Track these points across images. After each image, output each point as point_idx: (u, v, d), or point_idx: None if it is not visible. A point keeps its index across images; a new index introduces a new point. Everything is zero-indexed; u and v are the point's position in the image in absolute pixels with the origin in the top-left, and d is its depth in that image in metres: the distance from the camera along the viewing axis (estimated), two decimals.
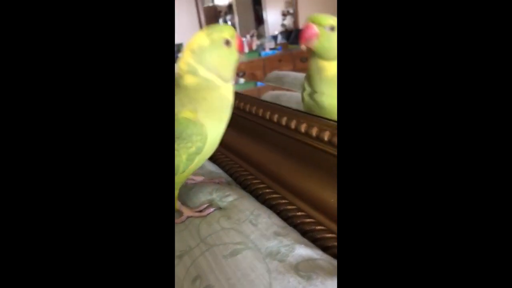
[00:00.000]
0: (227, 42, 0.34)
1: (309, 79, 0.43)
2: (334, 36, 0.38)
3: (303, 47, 0.40)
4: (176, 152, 0.34)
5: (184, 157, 0.35)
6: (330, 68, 0.40)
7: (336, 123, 0.38)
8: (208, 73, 0.34)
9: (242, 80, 2.07)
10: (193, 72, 0.34)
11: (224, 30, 0.34)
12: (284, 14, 2.46)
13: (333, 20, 0.38)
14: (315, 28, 0.39)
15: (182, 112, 0.34)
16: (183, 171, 0.36)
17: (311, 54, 0.41)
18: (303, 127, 0.42)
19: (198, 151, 0.35)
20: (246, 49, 2.13)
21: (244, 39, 2.17)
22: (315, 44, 0.39)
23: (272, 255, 0.32)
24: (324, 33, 0.38)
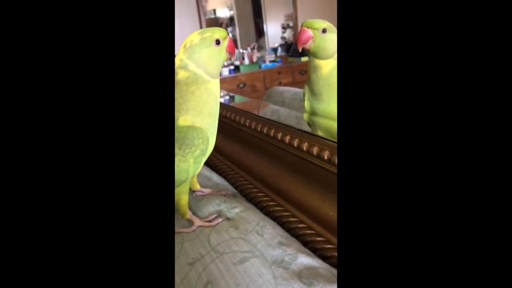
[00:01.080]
0: (217, 42, 0.38)
1: (308, 79, 0.48)
2: (326, 37, 0.44)
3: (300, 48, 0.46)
4: (183, 158, 0.38)
5: (191, 161, 0.38)
6: (325, 66, 0.45)
7: (334, 144, 0.42)
8: (197, 68, 0.38)
9: (247, 61, 2.12)
10: (184, 67, 0.38)
11: (216, 31, 0.38)
12: (284, 27, 2.52)
13: (324, 23, 0.44)
14: (309, 32, 0.44)
15: (180, 119, 0.38)
16: (193, 175, 0.40)
17: (309, 55, 0.46)
18: (305, 146, 0.45)
19: (203, 153, 0.39)
20: (247, 61, 2.19)
21: (245, 51, 2.23)
22: (311, 45, 0.44)
23: (277, 263, 0.35)
24: (317, 35, 0.44)
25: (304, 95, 0.50)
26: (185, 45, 0.38)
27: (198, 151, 0.38)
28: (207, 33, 0.38)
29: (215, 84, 0.40)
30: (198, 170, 0.41)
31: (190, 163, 0.38)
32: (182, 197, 0.42)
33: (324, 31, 0.44)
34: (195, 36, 0.38)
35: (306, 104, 0.50)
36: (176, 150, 0.38)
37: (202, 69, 0.38)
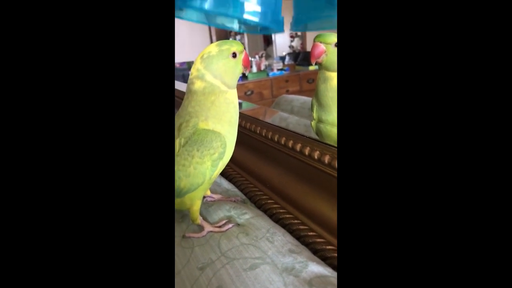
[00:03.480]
0: (234, 55, 0.39)
1: (317, 91, 0.49)
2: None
3: (313, 62, 0.47)
4: (200, 160, 0.38)
5: (209, 163, 0.39)
6: (335, 78, 0.46)
7: None
8: (214, 79, 0.39)
9: (255, 69, 2.15)
10: (201, 77, 0.39)
11: (234, 44, 0.40)
12: (292, 36, 2.54)
13: (336, 38, 0.45)
14: (322, 46, 0.45)
15: (200, 124, 0.39)
16: (210, 178, 0.40)
17: (319, 67, 0.47)
18: (316, 154, 0.46)
19: (221, 156, 0.40)
20: (255, 69, 2.21)
21: (253, 59, 2.25)
22: (323, 59, 0.45)
23: (287, 270, 0.35)
24: (330, 49, 0.45)
25: (312, 106, 0.51)
26: (202, 56, 0.39)
27: (216, 154, 0.39)
28: (224, 45, 0.39)
29: (233, 93, 0.40)
30: (215, 175, 0.41)
31: (208, 166, 0.39)
32: (195, 202, 0.42)
33: (336, 45, 0.45)
34: (213, 48, 0.39)
35: (315, 116, 0.51)
36: (194, 152, 0.38)
37: (219, 79, 0.39)
